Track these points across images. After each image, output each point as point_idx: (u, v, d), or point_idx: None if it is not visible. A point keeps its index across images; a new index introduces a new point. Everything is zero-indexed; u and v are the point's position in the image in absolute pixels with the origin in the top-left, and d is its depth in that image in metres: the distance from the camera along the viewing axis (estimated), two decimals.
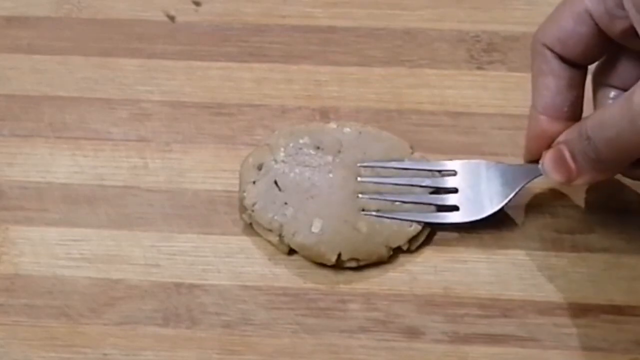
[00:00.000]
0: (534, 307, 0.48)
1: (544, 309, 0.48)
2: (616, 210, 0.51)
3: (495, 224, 0.50)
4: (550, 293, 0.48)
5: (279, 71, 0.56)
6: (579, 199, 0.51)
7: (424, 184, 0.50)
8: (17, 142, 0.54)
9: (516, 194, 0.49)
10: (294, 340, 0.48)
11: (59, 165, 0.53)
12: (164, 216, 0.51)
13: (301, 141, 0.51)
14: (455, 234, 0.50)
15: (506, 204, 0.49)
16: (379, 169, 0.51)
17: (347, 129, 0.52)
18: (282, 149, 0.51)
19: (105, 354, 0.48)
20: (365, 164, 0.51)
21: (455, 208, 0.50)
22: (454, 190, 0.50)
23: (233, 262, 0.50)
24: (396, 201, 0.49)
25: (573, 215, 0.51)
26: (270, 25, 0.58)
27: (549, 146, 0.47)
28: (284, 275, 0.50)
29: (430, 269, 0.50)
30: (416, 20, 0.57)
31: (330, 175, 0.50)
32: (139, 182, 0.53)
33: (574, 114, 0.47)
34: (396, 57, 0.56)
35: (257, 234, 0.50)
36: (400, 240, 0.49)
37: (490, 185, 0.49)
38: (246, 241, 0.51)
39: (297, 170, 0.51)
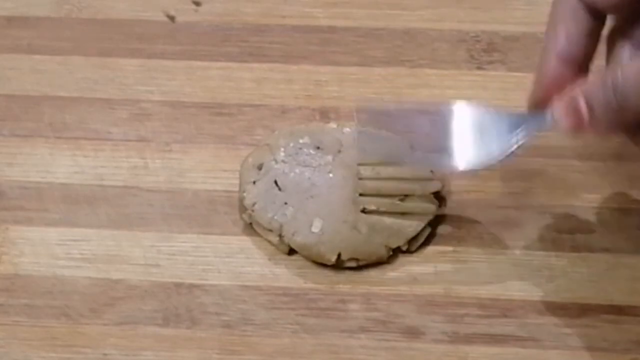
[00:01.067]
0: (534, 307, 0.48)
1: (544, 309, 0.48)
2: (616, 210, 0.51)
3: (495, 224, 0.50)
4: (550, 293, 0.48)
5: (279, 71, 0.56)
6: (579, 199, 0.51)
7: None
8: (17, 142, 0.54)
9: (523, 143, 0.46)
10: (294, 340, 0.48)
11: (59, 165, 0.53)
12: (164, 216, 0.51)
13: (301, 141, 0.51)
14: (455, 234, 0.50)
15: (513, 152, 0.46)
16: (379, 168, 0.51)
17: (347, 129, 0.52)
18: (282, 149, 0.51)
19: (105, 354, 0.48)
20: (364, 163, 0.51)
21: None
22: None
23: (233, 262, 0.50)
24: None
25: (573, 215, 0.51)
26: (270, 25, 0.58)
27: (555, 94, 0.46)
28: (284, 275, 0.50)
29: (430, 269, 0.50)
30: (416, 20, 0.57)
31: (330, 175, 0.50)
32: (139, 182, 0.53)
33: (586, 65, 0.47)
34: (396, 57, 0.56)
35: (257, 234, 0.50)
36: (400, 241, 0.49)
37: (496, 134, 0.47)
38: (246, 241, 0.51)
39: (297, 170, 0.51)
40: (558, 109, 0.46)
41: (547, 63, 0.46)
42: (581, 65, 0.46)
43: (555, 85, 0.46)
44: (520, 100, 0.54)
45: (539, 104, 0.47)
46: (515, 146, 0.46)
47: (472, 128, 0.47)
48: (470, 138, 0.47)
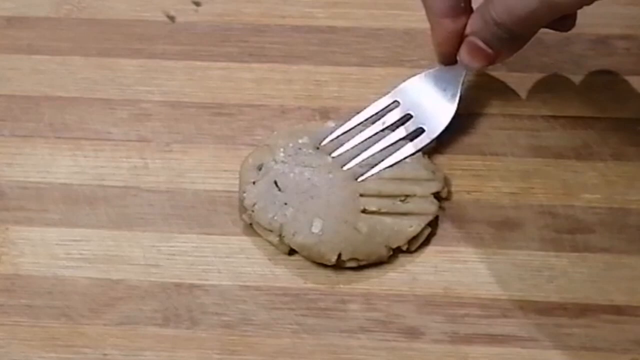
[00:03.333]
0: (534, 307, 0.48)
1: (544, 309, 0.48)
2: (616, 210, 0.51)
3: (495, 224, 0.50)
4: (550, 293, 0.48)
5: (279, 71, 0.56)
6: (579, 199, 0.51)
7: (381, 129, 0.52)
8: (17, 142, 0.54)
9: (461, 94, 0.52)
10: (294, 340, 0.48)
11: (59, 165, 0.53)
12: (164, 216, 0.51)
13: (300, 141, 0.51)
14: (455, 234, 0.50)
15: (458, 106, 0.52)
16: (380, 170, 0.51)
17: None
18: (282, 149, 0.51)
19: (105, 354, 0.48)
20: (363, 161, 0.51)
21: (421, 130, 0.51)
22: (410, 117, 0.51)
23: (233, 262, 0.50)
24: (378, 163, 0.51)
25: (573, 215, 0.51)
26: (270, 25, 0.58)
27: (460, 43, 0.50)
28: (284, 275, 0.50)
29: (430, 269, 0.50)
30: (416, 20, 0.57)
31: (330, 175, 0.50)
32: (139, 182, 0.53)
33: (469, 6, 0.50)
34: (396, 57, 0.56)
35: (257, 234, 0.50)
36: (400, 241, 0.49)
37: (435, 96, 0.52)
38: (246, 241, 0.51)
39: (296, 171, 0.51)
40: (463, 55, 0.50)
41: (436, 25, 0.50)
42: (466, 7, 0.50)
43: (454, 39, 0.50)
44: (520, 100, 0.54)
45: (449, 58, 0.51)
46: (459, 97, 0.52)
47: (428, 94, 0.52)
48: (421, 112, 0.52)
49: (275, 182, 0.50)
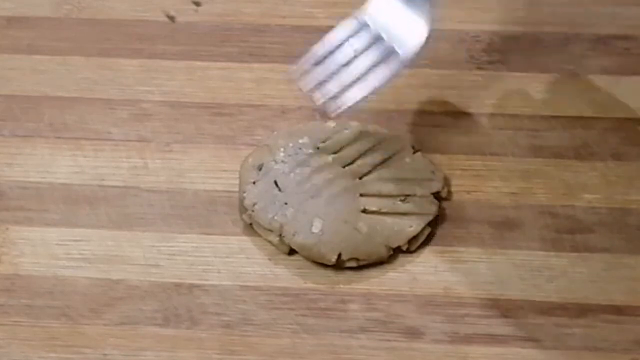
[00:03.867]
0: (534, 307, 0.48)
1: (544, 309, 0.48)
2: (616, 210, 0.51)
3: (495, 224, 0.50)
4: (550, 293, 0.48)
5: (279, 71, 0.56)
6: (579, 199, 0.51)
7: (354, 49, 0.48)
8: (17, 142, 0.54)
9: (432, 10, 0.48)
10: (294, 340, 0.48)
11: (59, 165, 0.53)
12: (164, 216, 0.51)
13: (301, 141, 0.51)
14: (455, 234, 0.50)
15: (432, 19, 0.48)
16: (379, 170, 0.51)
17: (346, 129, 0.52)
18: (282, 149, 0.51)
19: (105, 354, 0.48)
20: (363, 164, 0.51)
21: (394, 52, 0.48)
22: (382, 38, 0.48)
23: (233, 262, 0.50)
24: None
25: (573, 215, 0.51)
26: (270, 25, 0.58)
27: None
28: (284, 275, 0.50)
29: (430, 269, 0.50)
30: None
31: (330, 175, 0.50)
32: (139, 182, 0.53)
33: None
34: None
35: (257, 234, 0.50)
36: (400, 241, 0.49)
37: (406, 13, 0.48)
38: (246, 241, 0.51)
39: (297, 171, 0.51)
40: None
41: None
42: None
43: None
44: (520, 100, 0.54)
45: None
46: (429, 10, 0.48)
47: (398, 11, 0.49)
48: (404, 19, 0.48)
49: (276, 182, 0.50)
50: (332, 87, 0.47)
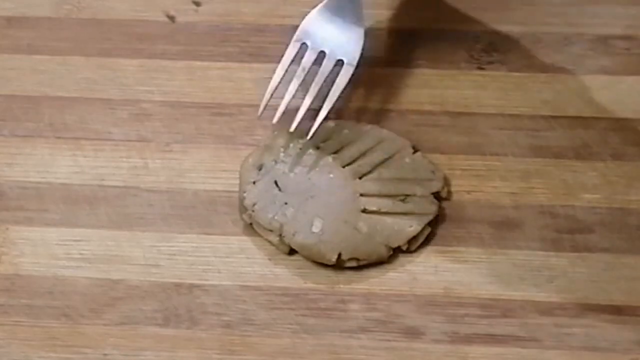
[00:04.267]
0: (534, 307, 0.48)
1: (544, 309, 0.48)
2: (616, 210, 0.51)
3: (495, 224, 0.50)
4: (550, 293, 0.48)
5: None
6: (579, 199, 0.51)
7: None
8: (17, 142, 0.54)
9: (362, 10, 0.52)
10: (294, 340, 0.48)
11: (59, 165, 0.53)
12: (164, 216, 0.51)
13: (301, 141, 0.51)
14: (455, 234, 0.50)
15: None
16: (380, 169, 0.51)
17: (346, 129, 0.52)
18: (282, 149, 0.51)
19: (105, 354, 0.48)
20: (363, 164, 0.51)
21: (341, 63, 0.51)
22: (323, 54, 0.52)
23: (233, 262, 0.50)
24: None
25: (573, 215, 0.51)
26: (270, 25, 0.58)
27: None
28: (284, 275, 0.50)
29: (430, 269, 0.50)
30: (416, 20, 0.57)
31: (330, 175, 0.50)
32: (139, 182, 0.53)
33: None
34: (396, 57, 0.56)
35: (257, 234, 0.50)
36: (400, 240, 0.49)
37: (339, 23, 0.52)
38: (246, 241, 0.51)
39: (297, 171, 0.51)
40: None
41: None
42: None
43: None
44: (520, 100, 0.54)
45: None
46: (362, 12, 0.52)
47: (331, 23, 0.53)
48: (339, 29, 0.52)
49: (276, 182, 0.50)
50: (298, 114, 0.51)
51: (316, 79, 0.51)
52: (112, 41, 0.57)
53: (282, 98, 0.52)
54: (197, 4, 0.59)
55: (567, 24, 0.56)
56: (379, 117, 0.54)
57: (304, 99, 0.51)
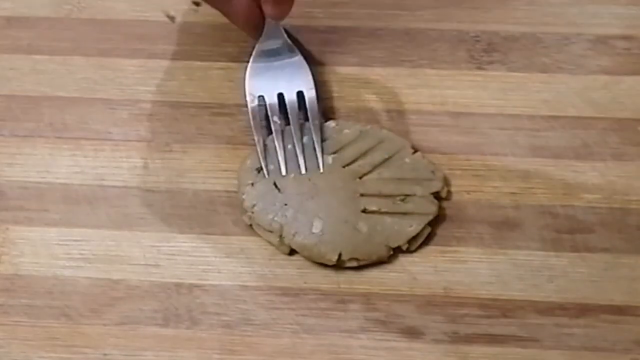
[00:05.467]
0: (534, 307, 0.48)
1: (544, 309, 0.48)
2: (616, 210, 0.51)
3: (495, 224, 0.50)
4: (550, 293, 0.49)
5: None
6: (579, 199, 0.51)
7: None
8: (17, 142, 0.54)
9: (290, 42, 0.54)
10: (294, 340, 0.48)
11: (59, 165, 0.53)
12: (164, 216, 0.51)
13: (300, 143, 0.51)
14: (455, 234, 0.50)
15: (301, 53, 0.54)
16: (380, 169, 0.51)
17: (347, 129, 0.52)
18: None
19: (105, 354, 0.48)
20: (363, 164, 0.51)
21: (303, 98, 0.52)
22: (283, 97, 0.53)
23: (233, 262, 0.50)
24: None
25: (573, 215, 0.51)
26: None
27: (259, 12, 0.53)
28: (284, 275, 0.50)
29: (430, 269, 0.50)
30: (416, 20, 0.57)
31: (330, 175, 0.50)
32: (139, 182, 0.53)
33: None
34: (396, 57, 0.56)
35: (258, 234, 0.50)
36: (400, 240, 0.49)
37: (280, 65, 0.54)
38: (246, 241, 0.51)
39: (295, 172, 0.51)
40: (270, 11, 0.52)
41: (235, 9, 0.53)
42: None
43: (254, 10, 0.53)
44: (520, 100, 0.54)
45: (259, 28, 0.54)
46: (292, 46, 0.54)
47: (273, 68, 0.54)
48: (283, 70, 0.53)
49: (275, 184, 0.50)
50: (292, 161, 0.51)
51: (291, 120, 0.52)
52: (112, 41, 0.58)
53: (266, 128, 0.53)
54: (197, 4, 0.59)
55: (567, 24, 0.56)
56: (379, 117, 0.54)
57: (294, 144, 0.52)
